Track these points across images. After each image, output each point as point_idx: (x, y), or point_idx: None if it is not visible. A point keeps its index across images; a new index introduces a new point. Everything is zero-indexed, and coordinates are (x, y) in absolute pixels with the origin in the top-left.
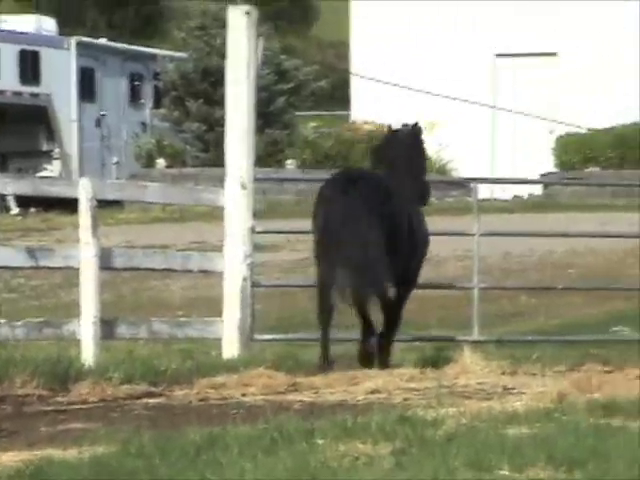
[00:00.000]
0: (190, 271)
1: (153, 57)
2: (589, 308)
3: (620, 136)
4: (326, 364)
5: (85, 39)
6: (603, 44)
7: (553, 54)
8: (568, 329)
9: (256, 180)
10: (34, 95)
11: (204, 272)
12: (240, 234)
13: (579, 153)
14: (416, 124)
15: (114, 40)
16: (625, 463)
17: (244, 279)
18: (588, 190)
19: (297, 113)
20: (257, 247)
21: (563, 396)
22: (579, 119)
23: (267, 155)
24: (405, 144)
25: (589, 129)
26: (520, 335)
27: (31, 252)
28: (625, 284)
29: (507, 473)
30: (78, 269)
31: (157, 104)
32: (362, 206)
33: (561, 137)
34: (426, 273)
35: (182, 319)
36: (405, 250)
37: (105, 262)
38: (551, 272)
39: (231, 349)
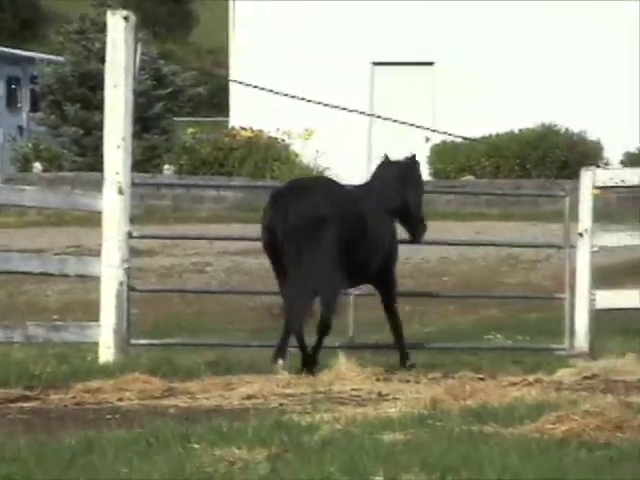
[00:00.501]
0: (67, 275)
1: (31, 61)
2: (463, 316)
3: (495, 146)
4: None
5: None
6: (479, 54)
7: (430, 63)
8: (442, 336)
9: (133, 185)
10: None
11: (81, 276)
12: (117, 239)
13: (454, 162)
14: (413, 156)
15: None
16: (497, 469)
17: (120, 284)
18: (463, 199)
19: (175, 119)
20: (134, 252)
21: (437, 403)
22: (455, 128)
23: (145, 160)
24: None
25: (464, 138)
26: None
27: None
28: (498, 292)
29: (381, 479)
30: None
31: (34, 108)
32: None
33: (436, 146)
34: None
35: (58, 323)
36: (370, 257)
37: None
38: (426, 280)
39: (107, 354)
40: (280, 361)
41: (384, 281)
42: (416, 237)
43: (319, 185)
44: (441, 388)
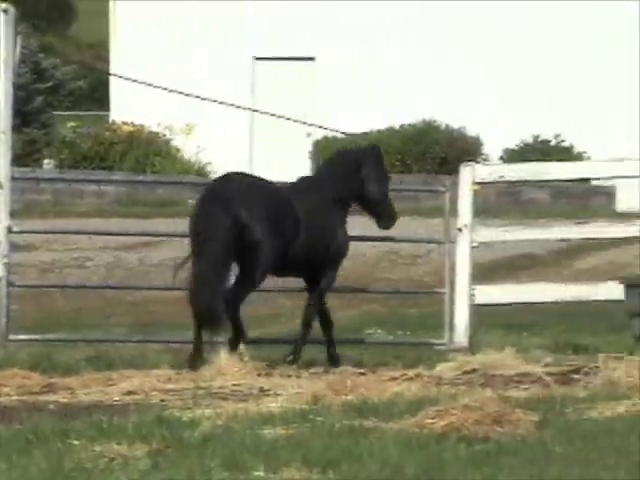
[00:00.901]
0: None
1: None
2: (345, 310)
3: (376, 141)
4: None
5: None
6: (360, 49)
7: (311, 58)
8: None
9: (13, 179)
10: None
11: None
12: None
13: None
14: (375, 146)
15: None
16: (377, 463)
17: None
18: None
19: (55, 112)
20: (13, 247)
21: (318, 398)
22: (336, 123)
23: (25, 154)
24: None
25: (345, 133)
26: (276, 337)
27: None
28: (380, 287)
29: (262, 474)
30: None
31: None
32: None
33: (318, 141)
34: (183, 275)
35: None
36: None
37: None
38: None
39: None
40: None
41: (322, 274)
42: (381, 222)
43: (240, 190)
44: (322, 383)
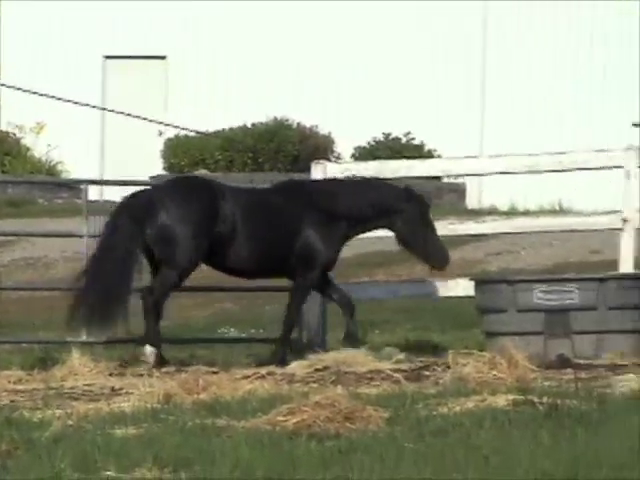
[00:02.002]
0: None
1: None
2: (197, 310)
3: (229, 139)
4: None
5: None
6: (212, 47)
7: (162, 57)
8: (178, 330)
9: None
10: None
11: None
12: None
13: (188, 156)
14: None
15: None
16: (229, 462)
17: None
18: None
19: None
20: None
21: (170, 397)
22: (188, 122)
23: None
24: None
25: (198, 132)
26: (127, 336)
27: None
28: (232, 285)
29: (113, 474)
30: None
31: None
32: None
33: (170, 140)
34: (33, 275)
35: None
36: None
37: None
38: None
39: None
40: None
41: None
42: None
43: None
44: (175, 382)
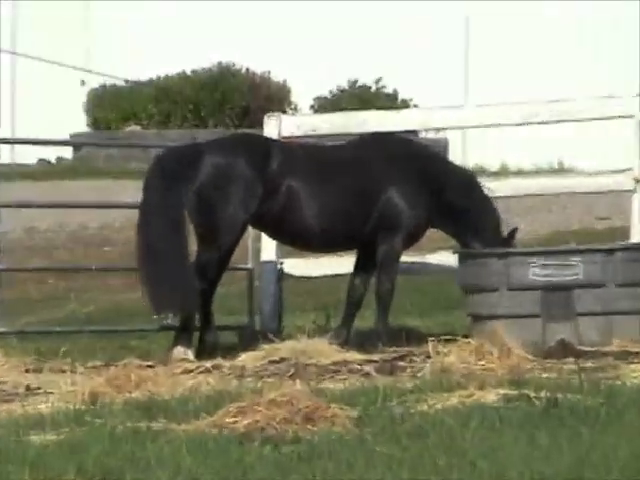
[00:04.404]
0: None
1: None
2: (130, 292)
3: (164, 90)
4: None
5: None
6: None
7: None
8: (104, 317)
9: None
10: None
11: None
12: None
13: (116, 109)
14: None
15: None
16: (168, 471)
17: None
18: (128, 153)
19: None
20: None
21: (97, 396)
22: (116, 69)
23: None
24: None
25: (127, 81)
26: (47, 325)
27: None
28: None
29: None
30: None
31: None
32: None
33: (94, 90)
34: None
35: None
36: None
37: None
38: (84, 251)
39: None
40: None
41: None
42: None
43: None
44: (102, 378)
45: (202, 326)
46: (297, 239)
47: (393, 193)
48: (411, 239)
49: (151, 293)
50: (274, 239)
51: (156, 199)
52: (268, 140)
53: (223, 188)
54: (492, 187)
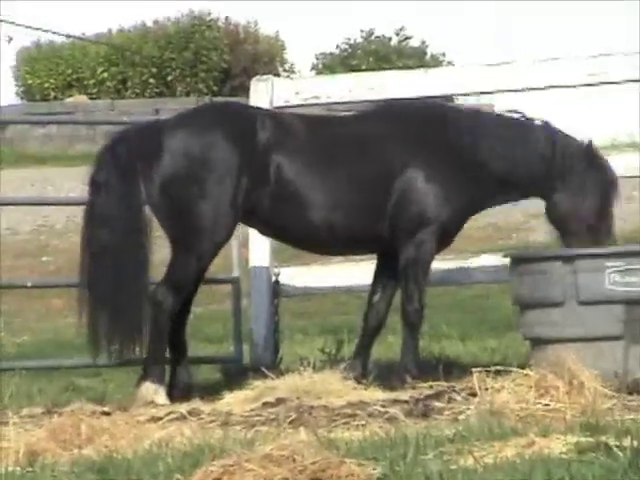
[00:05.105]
0: None
1: None
2: (74, 315)
3: (118, 48)
4: None
5: None
6: None
7: None
8: (43, 349)
9: None
10: None
11: None
12: None
13: (55, 73)
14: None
15: None
16: None
17: None
18: (71, 132)
19: None
20: None
21: (36, 454)
22: (51, 21)
23: None
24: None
25: (68, 36)
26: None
27: None
28: None
29: None
30: None
31: None
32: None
33: (26, 49)
34: None
35: None
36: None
37: None
38: (13, 262)
39: None
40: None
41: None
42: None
43: None
44: (42, 431)
45: (172, 361)
46: (296, 239)
47: (416, 177)
48: (445, 237)
49: (94, 322)
50: (271, 238)
51: (106, 199)
52: (253, 110)
53: (197, 179)
54: None
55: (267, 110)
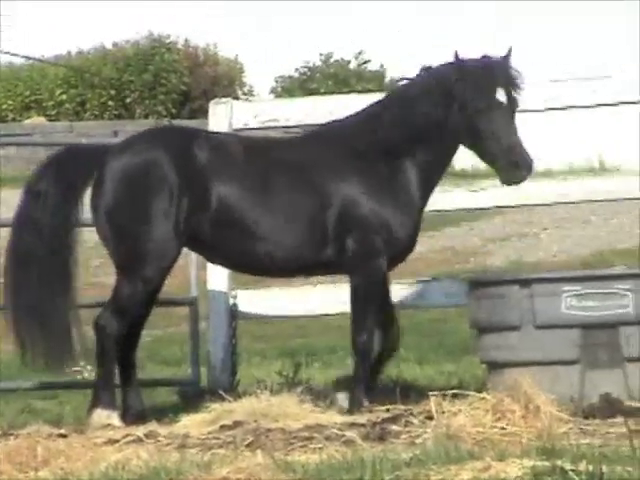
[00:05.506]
0: None
1: None
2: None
3: (77, 69)
4: None
5: None
6: None
7: None
8: (1, 371)
9: None
10: None
11: None
12: None
13: (13, 95)
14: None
15: None
16: None
17: None
18: (30, 154)
19: None
20: None
21: None
22: (12, 45)
23: None
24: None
25: (28, 58)
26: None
27: None
28: (89, 297)
29: None
30: None
31: None
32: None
33: None
34: None
35: None
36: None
37: None
38: None
39: None
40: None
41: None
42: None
43: None
44: None
45: (123, 386)
46: (237, 264)
47: (352, 199)
48: (394, 256)
49: (21, 339)
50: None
51: (41, 207)
52: (191, 131)
53: (139, 201)
54: (514, 195)
55: (206, 132)
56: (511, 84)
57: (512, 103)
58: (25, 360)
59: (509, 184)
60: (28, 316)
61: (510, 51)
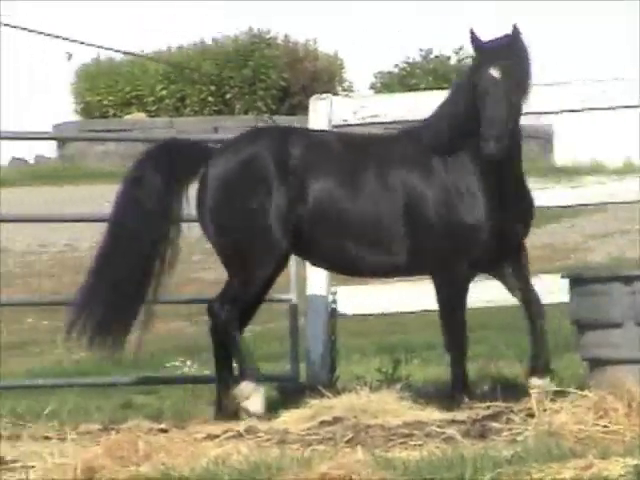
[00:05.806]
0: None
1: None
2: (134, 331)
3: (176, 64)
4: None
5: None
6: None
7: None
8: (100, 366)
9: None
10: None
11: None
12: None
13: (114, 91)
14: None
15: None
16: None
17: None
18: (127, 149)
19: None
20: None
21: (93, 471)
22: (112, 39)
23: None
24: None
25: (127, 53)
26: (26, 378)
27: None
28: (186, 294)
29: None
30: None
31: None
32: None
33: (85, 66)
34: None
35: None
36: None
37: None
38: (72, 278)
39: None
40: None
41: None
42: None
43: None
44: (100, 447)
45: (219, 380)
46: (328, 263)
47: (424, 188)
48: (482, 247)
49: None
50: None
51: (142, 193)
52: (286, 128)
53: (244, 200)
54: (614, 191)
55: (297, 127)
56: (509, 60)
57: (508, 79)
58: (70, 330)
59: (484, 158)
60: (101, 295)
61: (517, 29)
